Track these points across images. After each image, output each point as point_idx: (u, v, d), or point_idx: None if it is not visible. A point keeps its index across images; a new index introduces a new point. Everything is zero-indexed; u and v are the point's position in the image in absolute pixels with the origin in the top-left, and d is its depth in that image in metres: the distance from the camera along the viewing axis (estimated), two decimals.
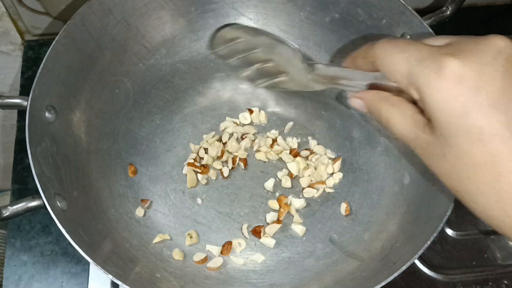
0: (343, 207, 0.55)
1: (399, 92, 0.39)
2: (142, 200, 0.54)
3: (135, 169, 0.56)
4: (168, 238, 0.52)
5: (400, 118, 0.38)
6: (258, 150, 0.57)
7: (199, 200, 0.55)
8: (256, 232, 0.53)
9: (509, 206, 0.34)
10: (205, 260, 0.52)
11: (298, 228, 0.54)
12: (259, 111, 0.60)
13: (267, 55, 0.53)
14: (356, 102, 0.43)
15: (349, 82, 0.44)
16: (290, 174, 0.57)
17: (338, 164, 0.57)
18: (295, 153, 0.57)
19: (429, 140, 0.36)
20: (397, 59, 0.37)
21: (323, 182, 0.56)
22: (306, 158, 0.58)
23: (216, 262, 0.52)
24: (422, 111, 0.37)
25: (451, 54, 0.35)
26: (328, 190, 0.56)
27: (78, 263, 0.56)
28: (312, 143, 0.58)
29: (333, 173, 0.57)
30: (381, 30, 0.57)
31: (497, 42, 0.35)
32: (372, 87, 0.42)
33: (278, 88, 0.55)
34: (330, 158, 0.57)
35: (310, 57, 0.60)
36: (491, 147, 0.33)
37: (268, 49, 0.52)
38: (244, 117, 0.59)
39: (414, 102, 0.38)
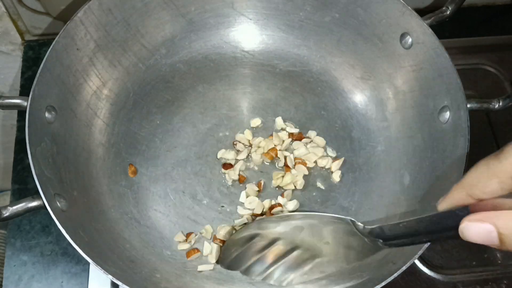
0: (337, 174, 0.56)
1: None
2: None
3: (135, 169, 0.56)
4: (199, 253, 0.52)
5: None
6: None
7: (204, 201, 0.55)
8: None
9: None
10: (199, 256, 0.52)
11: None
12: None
13: (290, 244, 0.44)
14: (479, 228, 0.30)
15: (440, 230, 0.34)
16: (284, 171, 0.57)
17: (338, 163, 0.56)
18: (299, 137, 0.58)
19: None
20: None
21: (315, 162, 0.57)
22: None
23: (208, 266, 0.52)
24: None
25: None
26: (321, 164, 0.57)
27: (78, 263, 0.56)
28: (312, 134, 0.58)
29: (332, 172, 0.57)
30: (381, 30, 0.57)
31: None
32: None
33: (315, 276, 0.46)
34: (331, 157, 0.57)
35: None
36: None
37: (291, 235, 0.44)
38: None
39: None
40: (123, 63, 0.58)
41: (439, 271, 0.56)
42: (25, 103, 0.48)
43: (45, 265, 0.56)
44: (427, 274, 0.56)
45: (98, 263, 0.43)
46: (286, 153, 0.57)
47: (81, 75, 0.54)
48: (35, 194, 0.44)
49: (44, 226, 0.58)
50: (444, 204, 0.34)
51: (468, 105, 0.50)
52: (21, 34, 0.68)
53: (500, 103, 0.52)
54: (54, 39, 0.51)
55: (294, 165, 0.56)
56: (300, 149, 0.57)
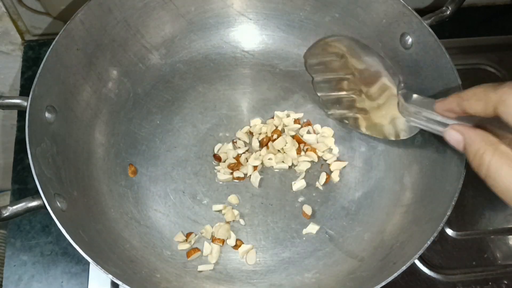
0: (323, 176, 0.56)
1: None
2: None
3: (135, 169, 0.56)
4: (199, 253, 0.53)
5: (510, 171, 0.35)
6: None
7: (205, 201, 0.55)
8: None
9: None
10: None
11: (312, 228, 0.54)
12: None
13: (358, 86, 0.51)
14: (453, 135, 0.40)
15: (443, 125, 0.43)
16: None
17: (340, 164, 0.56)
18: (307, 123, 0.59)
19: None
20: None
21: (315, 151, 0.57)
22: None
23: (207, 266, 0.52)
24: None
25: None
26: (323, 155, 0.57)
27: (78, 263, 0.56)
28: (317, 127, 0.59)
29: (331, 171, 0.57)
30: (381, 30, 0.57)
31: None
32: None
33: (350, 125, 0.56)
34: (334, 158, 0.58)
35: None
36: None
37: (365, 78, 0.51)
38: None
39: None
40: (123, 63, 0.58)
41: (439, 271, 0.56)
42: (25, 103, 0.48)
43: (45, 265, 0.56)
44: (427, 274, 0.56)
45: (98, 263, 0.43)
46: (292, 132, 0.58)
47: (81, 75, 0.54)
48: (35, 194, 0.44)
49: (44, 226, 0.58)
50: (440, 105, 0.43)
51: None
52: (21, 34, 0.68)
53: None
54: (54, 39, 0.51)
55: (306, 150, 0.57)
56: (309, 137, 0.58)
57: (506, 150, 0.36)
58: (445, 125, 0.43)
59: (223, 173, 0.56)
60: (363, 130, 0.56)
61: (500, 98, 0.36)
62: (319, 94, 0.57)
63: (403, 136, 0.52)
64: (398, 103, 0.49)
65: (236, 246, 0.53)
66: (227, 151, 0.57)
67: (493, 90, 0.36)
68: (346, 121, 0.57)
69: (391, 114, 0.51)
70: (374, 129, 0.55)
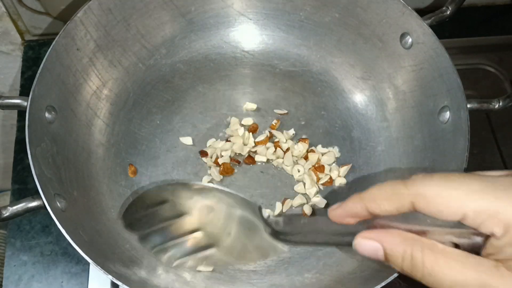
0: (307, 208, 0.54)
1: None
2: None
3: (135, 169, 0.56)
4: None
5: (450, 264, 0.32)
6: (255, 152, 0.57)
7: None
8: None
9: None
10: None
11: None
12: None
13: (195, 223, 0.42)
14: (367, 245, 0.35)
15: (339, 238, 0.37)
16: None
17: (345, 168, 0.56)
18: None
19: (507, 283, 0.30)
20: (461, 194, 0.31)
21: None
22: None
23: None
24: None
25: None
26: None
27: (78, 263, 0.56)
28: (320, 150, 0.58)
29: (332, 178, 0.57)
30: (381, 30, 0.57)
31: None
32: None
33: (204, 266, 0.48)
34: (336, 160, 0.57)
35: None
36: None
37: (199, 214, 0.41)
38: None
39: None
40: (123, 63, 0.58)
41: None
42: (25, 103, 0.48)
43: (45, 265, 0.56)
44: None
45: (98, 263, 0.43)
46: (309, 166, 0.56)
47: (81, 75, 0.54)
48: (35, 194, 0.44)
49: (44, 226, 0.58)
50: (339, 210, 0.36)
51: (468, 105, 0.50)
52: (21, 34, 0.68)
53: (500, 103, 0.52)
54: (54, 39, 0.51)
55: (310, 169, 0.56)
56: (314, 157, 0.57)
57: (429, 242, 0.33)
58: (340, 235, 0.37)
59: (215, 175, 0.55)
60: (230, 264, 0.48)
61: (416, 193, 0.32)
62: (152, 251, 0.44)
63: (284, 249, 0.41)
64: (265, 231, 0.40)
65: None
66: (217, 147, 0.57)
67: (404, 187, 0.33)
68: (206, 267, 0.48)
69: (260, 240, 0.41)
70: (245, 259, 0.45)
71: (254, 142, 0.57)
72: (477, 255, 0.32)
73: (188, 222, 0.42)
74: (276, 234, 0.40)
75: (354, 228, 0.35)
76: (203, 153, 0.56)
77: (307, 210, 0.54)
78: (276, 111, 0.59)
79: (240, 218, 0.41)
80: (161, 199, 0.42)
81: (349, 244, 0.36)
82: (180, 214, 0.42)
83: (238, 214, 0.41)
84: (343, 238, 0.37)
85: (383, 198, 0.34)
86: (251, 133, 0.57)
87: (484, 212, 0.31)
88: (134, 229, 0.43)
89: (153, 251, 0.43)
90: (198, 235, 0.42)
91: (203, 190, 0.41)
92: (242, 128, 0.58)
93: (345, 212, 0.36)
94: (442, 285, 0.32)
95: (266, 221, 0.40)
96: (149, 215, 0.42)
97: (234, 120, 0.58)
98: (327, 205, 0.55)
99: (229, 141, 0.57)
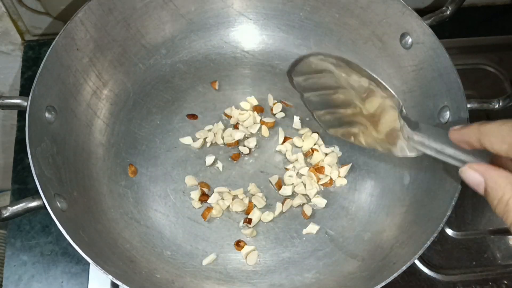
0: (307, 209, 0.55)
1: None
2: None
3: (135, 169, 0.56)
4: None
5: None
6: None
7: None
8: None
9: None
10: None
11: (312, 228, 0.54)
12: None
13: (353, 100, 0.47)
14: (472, 176, 0.35)
15: (455, 159, 0.39)
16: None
17: (345, 169, 0.56)
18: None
19: None
20: None
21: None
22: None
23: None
24: None
25: None
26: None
27: (78, 263, 0.56)
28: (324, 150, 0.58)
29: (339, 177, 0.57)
30: (381, 30, 0.57)
31: None
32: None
33: (352, 141, 0.51)
34: (338, 163, 0.57)
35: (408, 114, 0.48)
36: None
37: (359, 93, 0.46)
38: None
39: None
40: (123, 63, 0.58)
41: (439, 271, 0.56)
42: (25, 103, 0.48)
43: (45, 265, 0.56)
44: (427, 274, 0.56)
45: (98, 263, 0.43)
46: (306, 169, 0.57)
47: (81, 75, 0.54)
48: (35, 194, 0.44)
49: (44, 226, 0.58)
50: (456, 134, 0.38)
51: (468, 105, 0.50)
52: (21, 34, 0.68)
53: (500, 103, 0.52)
54: (54, 39, 0.51)
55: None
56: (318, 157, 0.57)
57: None
58: (459, 160, 0.39)
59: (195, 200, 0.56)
60: (367, 145, 0.52)
61: None
62: (313, 112, 0.54)
63: (411, 154, 0.46)
64: (401, 129, 0.45)
65: (239, 247, 0.53)
66: (217, 130, 0.58)
67: (509, 127, 0.32)
68: (348, 139, 0.53)
69: (394, 133, 0.47)
70: (379, 145, 0.51)
71: (261, 121, 0.58)
72: None
73: (347, 97, 0.47)
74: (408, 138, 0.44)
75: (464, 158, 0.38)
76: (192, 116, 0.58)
77: (308, 210, 0.54)
78: (282, 101, 0.60)
79: (385, 106, 0.45)
80: (323, 68, 0.48)
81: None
82: (342, 87, 0.47)
83: (384, 101, 0.46)
84: (452, 160, 0.40)
85: (499, 137, 0.33)
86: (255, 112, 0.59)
87: None
88: (300, 89, 0.51)
89: (315, 113, 0.52)
90: (351, 111, 0.48)
91: (361, 71, 0.47)
92: (249, 105, 0.59)
93: (460, 136, 0.37)
94: None
95: (403, 116, 0.45)
96: (315, 79, 0.49)
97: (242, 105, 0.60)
98: (328, 204, 0.55)
99: (237, 128, 0.58)
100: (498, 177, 0.34)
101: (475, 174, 0.35)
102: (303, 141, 0.58)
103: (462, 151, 0.39)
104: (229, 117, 0.59)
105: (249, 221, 0.53)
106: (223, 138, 0.57)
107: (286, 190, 0.55)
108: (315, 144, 0.57)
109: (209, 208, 0.54)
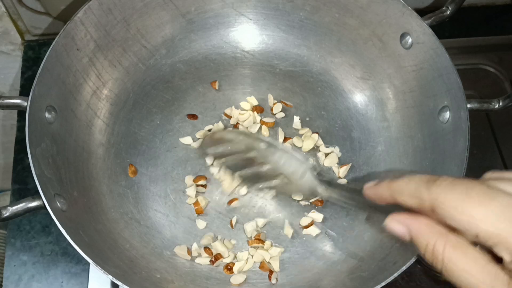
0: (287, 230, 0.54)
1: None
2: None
3: (135, 169, 0.56)
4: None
5: (468, 266, 0.32)
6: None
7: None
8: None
9: None
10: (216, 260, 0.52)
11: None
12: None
13: (266, 160, 0.48)
14: (396, 228, 0.35)
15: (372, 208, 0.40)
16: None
17: (345, 169, 0.56)
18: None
19: None
20: (478, 214, 0.31)
21: None
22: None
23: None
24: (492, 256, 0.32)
25: None
26: None
27: (78, 263, 0.56)
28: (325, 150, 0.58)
29: (339, 177, 0.57)
30: (381, 30, 0.57)
31: None
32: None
33: (276, 192, 0.53)
34: (338, 163, 0.57)
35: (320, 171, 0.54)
36: None
37: (270, 157, 0.48)
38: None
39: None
40: (123, 63, 0.58)
41: (439, 271, 0.56)
42: (25, 103, 0.48)
43: (45, 265, 0.56)
44: (427, 274, 0.56)
45: (98, 263, 0.43)
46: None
47: (81, 75, 0.54)
48: (35, 194, 0.44)
49: (44, 226, 0.58)
50: (370, 191, 0.39)
51: (468, 105, 0.50)
52: (21, 34, 0.68)
53: (500, 103, 0.52)
54: (54, 39, 0.51)
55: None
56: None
57: (456, 240, 0.32)
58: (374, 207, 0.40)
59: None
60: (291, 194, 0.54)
61: (436, 200, 0.32)
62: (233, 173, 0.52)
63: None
64: (315, 189, 0.46)
65: (228, 270, 0.52)
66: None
67: (426, 190, 0.33)
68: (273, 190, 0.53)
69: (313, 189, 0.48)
70: (302, 194, 0.51)
71: (261, 121, 0.58)
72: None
73: (256, 156, 0.49)
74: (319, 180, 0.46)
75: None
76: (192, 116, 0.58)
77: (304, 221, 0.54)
78: (282, 101, 0.60)
79: (294, 164, 0.48)
80: (228, 138, 0.50)
81: (380, 212, 0.38)
82: (247, 151, 0.49)
83: (294, 162, 0.48)
84: (375, 209, 0.40)
85: (407, 194, 0.34)
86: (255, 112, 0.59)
87: (495, 238, 0.30)
88: (219, 158, 0.51)
89: (238, 174, 0.51)
90: (265, 169, 0.49)
91: (263, 141, 0.49)
92: (249, 105, 0.59)
93: (375, 195, 0.38)
94: (456, 283, 0.32)
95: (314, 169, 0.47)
96: (225, 148, 0.50)
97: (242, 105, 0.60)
98: (328, 205, 0.55)
99: (237, 128, 0.58)
100: (419, 225, 0.34)
101: (398, 226, 0.35)
102: (303, 141, 0.58)
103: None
104: (229, 117, 0.59)
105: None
106: None
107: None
108: (315, 144, 0.58)
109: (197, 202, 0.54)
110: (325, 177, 0.47)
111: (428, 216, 0.34)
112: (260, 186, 0.50)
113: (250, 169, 0.49)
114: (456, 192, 0.32)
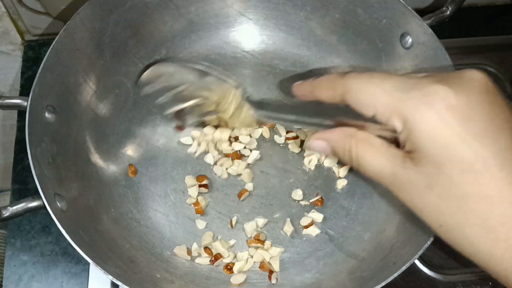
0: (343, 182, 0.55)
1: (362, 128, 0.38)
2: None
3: (135, 169, 0.56)
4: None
5: (373, 154, 0.36)
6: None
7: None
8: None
9: (501, 238, 0.32)
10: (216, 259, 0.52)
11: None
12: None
13: (198, 92, 0.50)
14: (317, 145, 0.40)
15: (304, 124, 0.44)
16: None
17: (345, 169, 0.56)
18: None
19: (409, 174, 0.34)
20: (377, 91, 0.35)
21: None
22: None
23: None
24: (396, 145, 0.36)
25: (439, 81, 0.33)
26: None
27: (78, 263, 0.56)
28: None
29: (339, 178, 0.57)
30: (381, 30, 0.57)
31: (476, 74, 0.34)
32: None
33: (213, 123, 0.54)
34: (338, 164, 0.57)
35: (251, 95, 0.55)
36: (483, 177, 0.32)
37: (200, 85, 0.49)
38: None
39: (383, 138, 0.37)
40: (123, 63, 0.58)
41: (439, 271, 0.56)
42: (25, 103, 0.48)
43: (45, 265, 0.56)
44: (427, 274, 0.56)
45: (98, 263, 0.43)
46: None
47: (81, 75, 0.54)
48: (35, 194, 0.44)
49: (44, 226, 0.58)
50: (297, 88, 0.43)
51: None
52: (21, 34, 0.68)
53: None
54: (54, 39, 0.51)
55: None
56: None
57: (364, 135, 0.37)
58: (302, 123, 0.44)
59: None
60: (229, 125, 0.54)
61: (345, 86, 0.37)
62: (167, 112, 0.53)
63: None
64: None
65: (228, 270, 0.52)
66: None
67: (340, 78, 0.37)
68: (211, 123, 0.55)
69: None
70: (239, 124, 0.53)
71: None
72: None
73: (191, 90, 0.50)
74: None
75: (318, 120, 0.42)
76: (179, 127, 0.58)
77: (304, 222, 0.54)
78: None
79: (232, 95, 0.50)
80: (163, 72, 0.50)
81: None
82: (181, 83, 0.50)
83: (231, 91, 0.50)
84: (308, 123, 0.45)
85: (324, 87, 0.39)
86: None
87: (390, 108, 0.34)
88: (155, 98, 0.51)
89: (169, 111, 0.52)
90: (201, 100, 0.51)
91: (200, 72, 0.49)
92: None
93: (299, 91, 0.42)
94: (367, 173, 0.37)
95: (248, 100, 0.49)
96: (160, 85, 0.50)
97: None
98: (328, 205, 0.55)
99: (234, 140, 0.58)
100: (334, 135, 0.39)
101: (318, 142, 0.39)
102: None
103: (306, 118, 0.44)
104: None
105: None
106: (218, 148, 0.57)
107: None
108: None
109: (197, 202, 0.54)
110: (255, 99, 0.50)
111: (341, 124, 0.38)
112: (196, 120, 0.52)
113: (185, 105, 0.51)
114: (362, 77, 0.36)
